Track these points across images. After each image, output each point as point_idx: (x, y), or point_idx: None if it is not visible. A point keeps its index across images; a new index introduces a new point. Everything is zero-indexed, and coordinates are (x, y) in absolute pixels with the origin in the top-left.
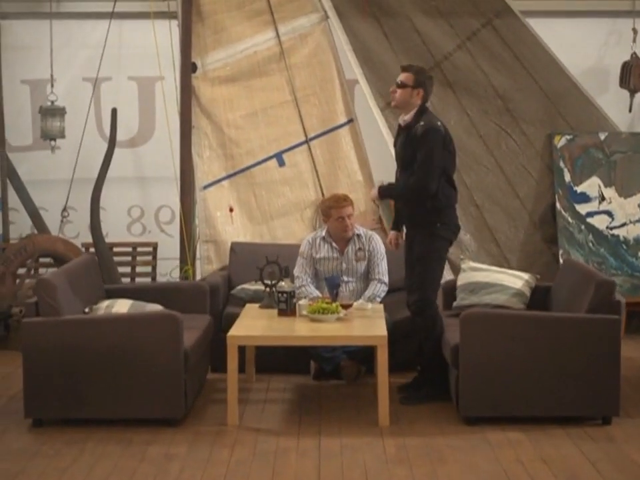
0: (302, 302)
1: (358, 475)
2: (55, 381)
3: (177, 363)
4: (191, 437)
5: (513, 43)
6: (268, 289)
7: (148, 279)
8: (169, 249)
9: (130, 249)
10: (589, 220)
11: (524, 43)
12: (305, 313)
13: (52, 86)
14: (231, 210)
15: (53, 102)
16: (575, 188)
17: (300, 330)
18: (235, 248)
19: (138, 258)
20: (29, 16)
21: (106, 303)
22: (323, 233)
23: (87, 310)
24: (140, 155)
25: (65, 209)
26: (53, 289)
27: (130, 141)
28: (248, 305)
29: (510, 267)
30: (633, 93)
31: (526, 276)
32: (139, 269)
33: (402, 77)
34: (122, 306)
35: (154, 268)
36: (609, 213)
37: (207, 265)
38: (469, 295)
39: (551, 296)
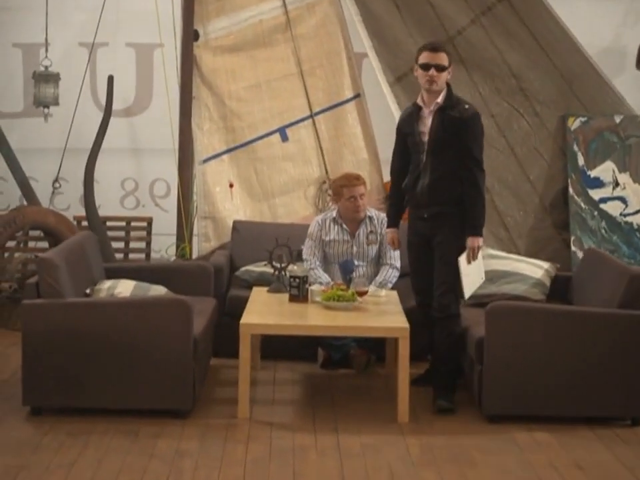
0: (314, 287)
1: (384, 478)
2: (56, 367)
3: (186, 351)
4: (201, 431)
5: (529, 20)
6: (277, 273)
7: (142, 256)
8: (164, 224)
9: (124, 224)
10: (602, 206)
11: (540, 20)
12: (318, 299)
13: (46, 50)
14: (231, 186)
15: (46, 67)
16: (589, 172)
17: (315, 319)
18: (238, 227)
19: (132, 233)
20: None
21: (107, 283)
22: (334, 214)
23: (88, 291)
24: (136, 125)
25: (56, 180)
26: (55, 269)
27: (126, 110)
28: (255, 289)
29: (518, 253)
30: None
31: (546, 265)
32: (132, 245)
33: (438, 58)
34: (125, 287)
35: (148, 244)
36: (622, 199)
37: (204, 243)
38: (487, 284)
39: (572, 287)
